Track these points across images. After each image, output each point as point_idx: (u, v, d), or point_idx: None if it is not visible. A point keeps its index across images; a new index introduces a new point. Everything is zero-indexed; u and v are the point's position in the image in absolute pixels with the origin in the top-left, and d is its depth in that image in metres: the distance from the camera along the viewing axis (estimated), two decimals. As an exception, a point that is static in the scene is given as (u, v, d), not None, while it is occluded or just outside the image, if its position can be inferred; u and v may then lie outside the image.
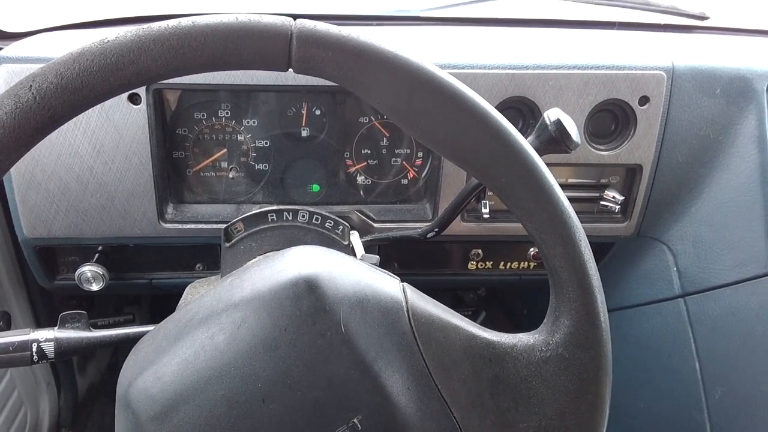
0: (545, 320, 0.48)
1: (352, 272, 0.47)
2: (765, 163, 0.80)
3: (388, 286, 0.48)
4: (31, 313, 1.00)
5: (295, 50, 0.40)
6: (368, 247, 0.80)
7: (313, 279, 0.44)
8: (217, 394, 0.43)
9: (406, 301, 0.47)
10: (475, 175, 0.47)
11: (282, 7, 1.06)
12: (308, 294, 0.44)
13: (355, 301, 0.45)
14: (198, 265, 0.88)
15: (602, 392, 0.47)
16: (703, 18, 1.17)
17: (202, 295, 0.49)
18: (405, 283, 0.49)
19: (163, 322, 0.49)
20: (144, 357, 0.47)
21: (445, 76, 0.43)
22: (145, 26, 0.39)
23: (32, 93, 0.38)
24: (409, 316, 0.46)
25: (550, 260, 0.46)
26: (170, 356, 0.45)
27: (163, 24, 0.39)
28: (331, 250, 0.50)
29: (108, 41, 0.39)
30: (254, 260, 0.51)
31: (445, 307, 0.49)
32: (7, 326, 0.89)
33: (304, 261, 0.46)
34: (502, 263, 0.94)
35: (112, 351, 1.36)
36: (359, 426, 0.43)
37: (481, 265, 0.93)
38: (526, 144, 0.44)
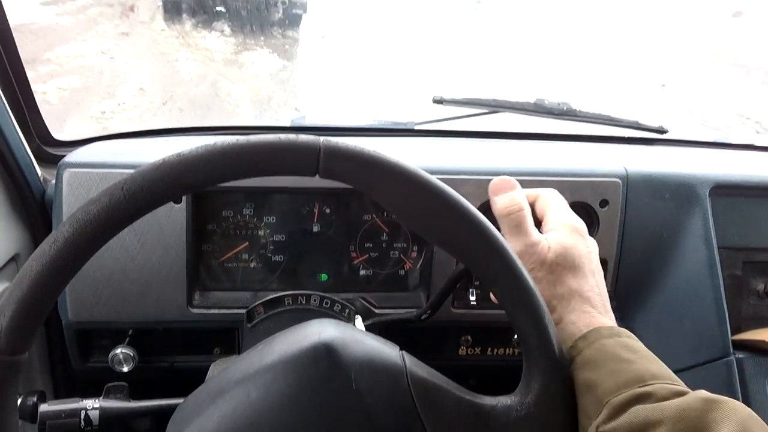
0: (520, 383, 0.59)
1: (361, 340, 0.58)
2: (711, 260, 0.93)
3: (391, 352, 0.58)
4: (54, 394, 1.08)
5: (322, 162, 0.53)
6: (370, 330, 0.90)
7: (329, 344, 0.55)
8: None
9: (405, 366, 0.57)
10: (462, 261, 0.59)
11: (307, 117, 1.23)
12: (326, 357, 0.54)
13: (364, 363, 0.55)
14: (216, 349, 0.97)
15: None
16: (662, 131, 1.33)
17: (235, 361, 0.60)
18: (403, 351, 0.60)
19: (204, 383, 0.59)
20: (189, 413, 0.56)
21: (435, 181, 0.56)
22: (211, 143, 0.52)
23: (124, 192, 0.50)
24: (407, 378, 0.57)
25: (521, 331, 0.58)
26: (212, 410, 0.54)
27: (225, 141, 0.52)
28: (344, 323, 0.61)
29: (184, 154, 0.51)
30: (281, 331, 0.61)
31: (437, 372, 0.60)
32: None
33: (322, 330, 0.57)
34: (490, 349, 1.03)
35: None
36: None
37: (471, 351, 1.03)
38: (500, 236, 0.57)
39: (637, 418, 0.51)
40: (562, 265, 0.66)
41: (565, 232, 0.69)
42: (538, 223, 0.71)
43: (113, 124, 4.37)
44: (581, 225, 0.71)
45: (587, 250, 0.69)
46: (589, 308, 0.64)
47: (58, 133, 1.07)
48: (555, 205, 0.73)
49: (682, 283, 0.95)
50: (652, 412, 0.51)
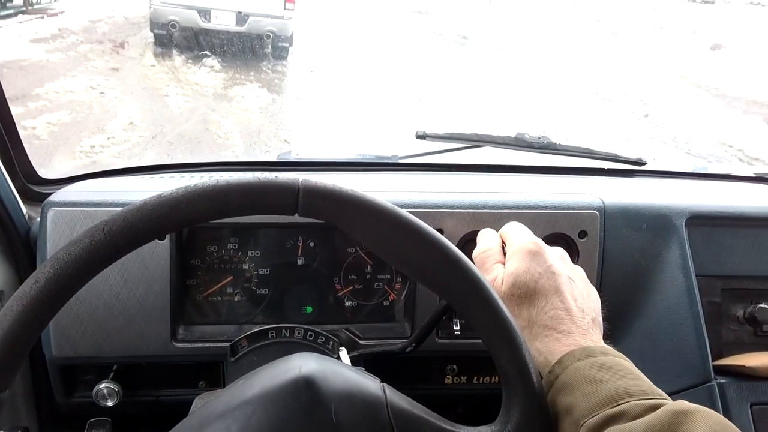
0: (500, 413, 0.60)
1: (341, 373, 0.58)
2: (690, 287, 0.95)
3: (371, 385, 0.59)
4: (38, 428, 1.07)
5: (301, 201, 0.55)
6: (355, 362, 0.91)
7: (310, 378, 0.56)
8: None
9: (386, 398, 0.58)
10: (437, 293, 0.61)
11: (293, 151, 1.25)
12: (306, 390, 0.55)
13: (344, 396, 0.56)
14: (201, 383, 0.97)
15: None
16: (640, 163, 1.36)
17: (218, 395, 0.60)
18: (384, 383, 0.60)
19: (186, 418, 0.59)
20: (169, 448, 0.57)
21: (412, 218, 0.58)
22: (191, 184, 0.54)
23: (104, 233, 0.51)
24: (388, 410, 0.57)
25: (499, 361, 0.59)
26: (193, 445, 0.55)
27: (204, 183, 0.54)
28: (325, 356, 0.62)
29: (164, 195, 0.53)
30: (263, 366, 0.62)
31: (418, 404, 0.61)
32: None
33: (304, 364, 0.58)
34: (476, 378, 1.04)
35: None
36: None
37: (457, 380, 1.03)
38: (475, 268, 0.58)
39: None
40: (516, 295, 0.67)
41: (517, 259, 0.70)
42: None
43: (103, 158, 4.39)
44: (536, 246, 0.70)
45: (543, 268, 0.68)
46: (553, 333, 0.65)
47: (46, 168, 1.08)
48: (512, 235, 0.75)
49: (662, 310, 0.96)
50: None
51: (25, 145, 1.01)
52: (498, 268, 0.72)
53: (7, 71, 5.84)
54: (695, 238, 0.99)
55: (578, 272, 0.73)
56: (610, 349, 0.63)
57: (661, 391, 0.58)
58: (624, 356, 0.63)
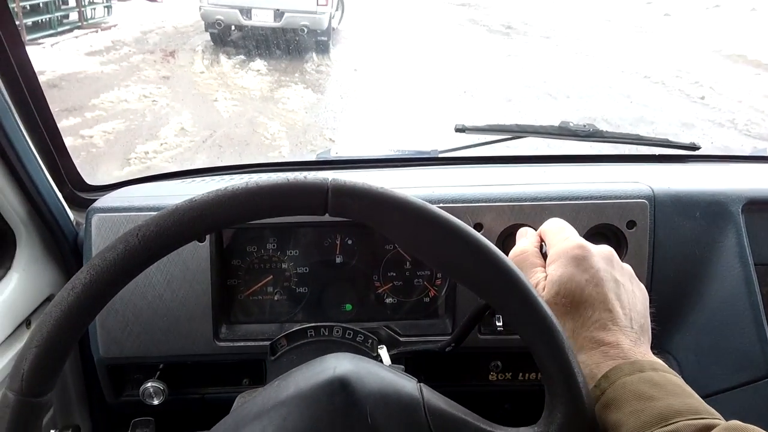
0: (543, 414, 0.57)
1: (377, 373, 0.57)
2: (748, 276, 0.89)
3: (407, 385, 0.58)
4: (91, 428, 1.11)
5: (330, 201, 0.54)
6: (395, 360, 0.90)
7: (345, 379, 0.55)
8: None
9: (423, 399, 0.57)
10: (473, 290, 0.59)
11: (333, 150, 1.25)
12: (341, 391, 0.54)
13: (379, 397, 0.55)
14: (245, 380, 0.98)
15: None
16: (694, 148, 1.29)
17: (254, 396, 0.60)
18: (422, 383, 0.59)
19: (223, 419, 0.60)
20: (207, 448, 0.57)
21: (442, 213, 0.56)
22: (222, 187, 0.53)
23: (138, 239, 0.52)
24: (425, 411, 0.56)
25: (541, 361, 0.56)
26: (230, 446, 0.55)
27: (235, 185, 0.54)
28: (360, 356, 0.61)
29: (195, 200, 0.53)
30: (298, 366, 0.62)
31: (456, 404, 0.59)
32: (78, 439, 0.99)
33: (338, 364, 0.57)
34: (521, 374, 1.01)
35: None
36: None
37: (501, 376, 1.01)
38: (512, 265, 0.56)
39: None
40: (560, 304, 0.63)
41: (561, 264, 0.65)
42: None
43: (156, 163, 4.53)
44: (582, 250, 0.66)
45: (590, 275, 0.64)
46: (599, 345, 0.61)
47: (99, 175, 1.11)
48: (553, 235, 0.70)
49: (718, 302, 0.91)
50: None
51: (83, 153, 1.05)
52: (538, 273, 0.67)
53: (65, 83, 6.11)
54: (753, 224, 0.93)
55: (626, 271, 0.68)
56: (659, 363, 0.59)
57: (713, 410, 0.54)
58: (674, 372, 0.59)
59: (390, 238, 0.58)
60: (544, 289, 0.65)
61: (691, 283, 0.94)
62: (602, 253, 0.67)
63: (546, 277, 0.66)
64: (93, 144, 4.65)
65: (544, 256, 0.71)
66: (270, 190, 0.54)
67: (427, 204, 0.55)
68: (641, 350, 0.61)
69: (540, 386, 1.03)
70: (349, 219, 0.56)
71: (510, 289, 0.55)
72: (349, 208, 0.55)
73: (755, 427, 0.49)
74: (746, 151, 1.34)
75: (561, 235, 0.70)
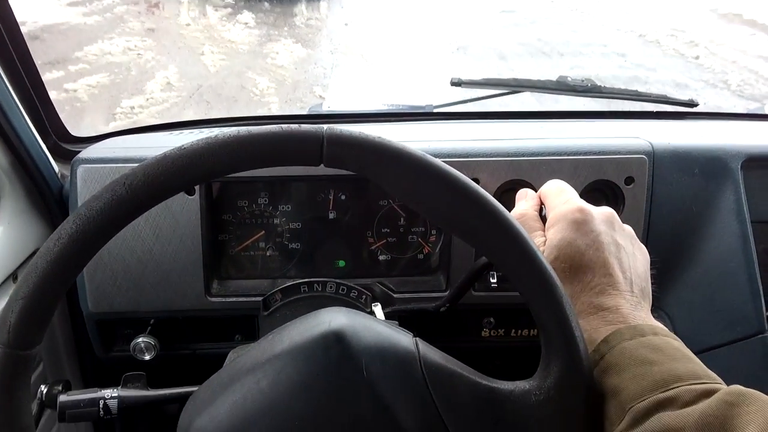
0: (538, 368, 0.57)
1: (372, 327, 0.56)
2: (745, 234, 0.89)
3: (403, 339, 0.57)
4: (82, 383, 1.10)
5: (325, 150, 0.52)
6: (388, 317, 0.89)
7: (340, 332, 0.54)
8: (262, 431, 0.52)
9: (419, 352, 0.56)
10: (471, 244, 0.57)
11: (325, 104, 1.22)
12: (336, 345, 0.53)
13: (375, 351, 0.54)
14: (237, 336, 0.98)
15: (589, 428, 0.55)
16: (692, 105, 1.28)
17: (248, 350, 0.59)
18: (417, 338, 0.58)
19: (217, 372, 0.59)
20: (200, 402, 0.56)
21: (441, 164, 0.54)
22: (212, 135, 0.51)
23: (125, 188, 0.49)
24: (421, 365, 0.55)
25: (539, 316, 0.55)
26: (223, 399, 0.54)
27: (226, 133, 0.51)
28: (355, 310, 0.60)
29: (185, 147, 0.51)
30: (292, 321, 0.61)
31: (452, 358, 0.58)
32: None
33: (333, 318, 0.56)
34: (514, 330, 1.01)
35: (149, 423, 1.42)
36: None
37: (494, 333, 1.01)
38: (511, 218, 0.55)
39: (659, 426, 0.49)
40: (559, 269, 0.61)
41: (560, 228, 0.64)
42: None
43: (143, 118, 4.45)
44: (582, 213, 0.64)
45: (590, 238, 0.62)
46: (599, 310, 0.60)
47: (84, 129, 1.08)
48: (553, 197, 0.69)
49: (713, 259, 0.91)
50: (674, 420, 0.48)
51: (67, 108, 1.01)
52: (537, 237, 0.66)
53: (47, 35, 5.93)
54: (751, 182, 0.92)
55: (627, 233, 0.67)
56: (660, 327, 0.58)
57: (713, 375, 0.53)
58: (674, 336, 0.58)
59: (388, 191, 0.56)
60: (543, 253, 0.64)
61: (687, 240, 0.93)
62: (603, 215, 0.65)
63: (545, 241, 0.65)
64: (77, 98, 4.55)
65: (543, 219, 0.70)
66: (262, 139, 0.51)
67: (427, 156, 0.54)
68: (641, 314, 0.60)
69: (532, 342, 1.03)
70: (345, 170, 0.54)
71: (510, 244, 0.54)
72: (345, 159, 0.53)
73: (756, 391, 0.49)
74: (744, 109, 1.32)
75: (561, 197, 0.68)
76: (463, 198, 0.54)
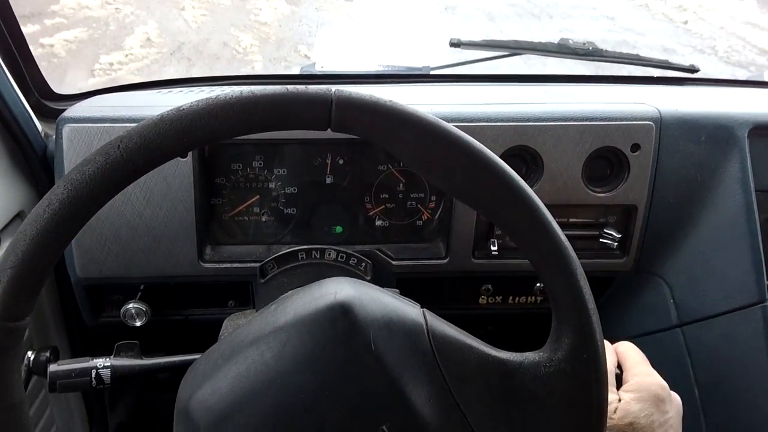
0: (549, 339, 0.55)
1: (379, 299, 0.54)
2: (749, 203, 0.88)
3: (411, 310, 0.55)
4: (70, 350, 1.08)
5: (334, 114, 0.49)
6: (387, 282, 0.88)
7: (347, 304, 0.52)
8: (266, 404, 0.50)
9: (427, 324, 0.54)
10: (485, 214, 0.55)
11: (317, 64, 1.17)
12: (343, 317, 0.51)
13: (382, 323, 0.52)
14: (230, 302, 0.96)
15: (601, 401, 0.54)
16: (693, 71, 1.25)
17: (250, 320, 0.57)
18: (425, 309, 0.56)
19: (217, 343, 0.57)
20: (201, 373, 0.54)
21: (455, 130, 0.51)
22: (213, 96, 0.48)
23: (120, 151, 0.46)
24: (429, 337, 0.53)
25: (551, 287, 0.54)
26: (225, 371, 0.52)
27: (228, 94, 0.48)
28: (361, 281, 0.58)
29: (183, 108, 0.47)
30: (294, 290, 0.58)
31: (461, 329, 0.57)
32: (56, 360, 0.96)
33: (339, 289, 0.54)
34: (511, 298, 1.01)
35: (139, 392, 1.41)
36: None
37: (491, 300, 1.00)
38: (527, 187, 0.52)
39: None
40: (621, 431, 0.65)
41: (641, 398, 0.66)
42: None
43: (122, 75, 4.31)
44: (664, 391, 0.67)
45: (663, 419, 0.66)
46: None
47: (62, 86, 1.02)
48: (634, 365, 0.71)
49: (716, 227, 0.90)
50: None
51: (43, 64, 0.96)
52: (610, 395, 0.67)
53: (20, -13, 5.69)
54: (757, 150, 0.91)
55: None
56: None
57: None
58: None
59: (398, 157, 0.53)
60: (615, 411, 0.66)
61: (690, 208, 0.92)
62: (677, 399, 0.69)
63: (619, 400, 0.67)
64: (54, 54, 4.38)
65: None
66: (267, 101, 0.48)
67: (443, 122, 0.51)
68: None
69: (527, 310, 1.04)
70: (354, 135, 0.51)
71: (527, 215, 0.52)
72: (354, 123, 0.50)
73: None
74: (743, 76, 1.30)
75: (644, 368, 0.70)
76: (479, 167, 0.51)
